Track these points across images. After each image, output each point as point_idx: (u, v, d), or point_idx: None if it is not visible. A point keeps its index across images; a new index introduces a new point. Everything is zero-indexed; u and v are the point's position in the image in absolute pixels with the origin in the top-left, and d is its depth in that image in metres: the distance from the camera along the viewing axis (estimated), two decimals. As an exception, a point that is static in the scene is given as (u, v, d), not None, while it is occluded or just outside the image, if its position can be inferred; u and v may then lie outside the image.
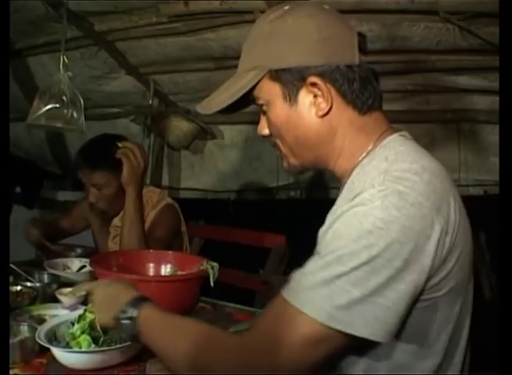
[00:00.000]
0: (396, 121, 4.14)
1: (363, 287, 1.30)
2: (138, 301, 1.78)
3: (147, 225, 3.22)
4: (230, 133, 5.53)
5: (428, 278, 1.36)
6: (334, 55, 1.54)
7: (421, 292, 1.38)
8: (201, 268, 2.60)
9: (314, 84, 1.54)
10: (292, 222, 5.28)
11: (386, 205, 1.33)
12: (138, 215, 2.99)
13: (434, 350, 1.48)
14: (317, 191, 5.46)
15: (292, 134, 1.62)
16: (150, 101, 5.09)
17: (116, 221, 3.40)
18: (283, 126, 1.63)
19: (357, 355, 1.48)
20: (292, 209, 5.64)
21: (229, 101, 1.63)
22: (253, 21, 3.58)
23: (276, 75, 1.57)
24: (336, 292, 1.31)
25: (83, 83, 4.57)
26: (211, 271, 2.57)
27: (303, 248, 4.95)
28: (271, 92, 1.61)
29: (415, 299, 1.37)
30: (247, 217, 5.37)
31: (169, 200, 3.54)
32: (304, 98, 1.57)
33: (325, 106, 1.55)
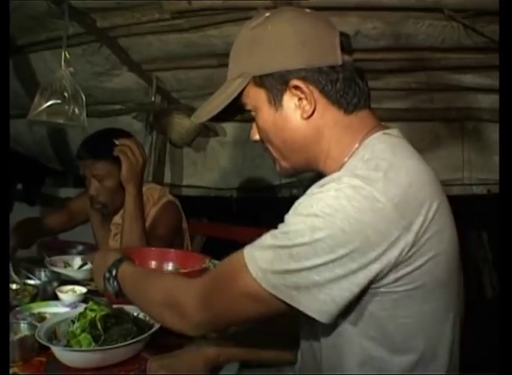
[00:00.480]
0: (399, 119, 4.19)
1: (300, 263, 1.40)
2: (118, 262, 2.03)
3: (148, 222, 3.22)
4: (233, 130, 5.52)
5: (382, 271, 1.39)
6: (315, 58, 1.56)
7: (373, 283, 1.42)
8: (204, 266, 2.59)
9: (296, 87, 1.57)
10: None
11: (338, 194, 1.38)
12: (138, 212, 2.97)
13: (409, 346, 1.51)
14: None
15: (280, 138, 1.66)
16: (152, 98, 5.06)
17: (117, 219, 3.39)
18: (271, 131, 1.66)
19: (329, 338, 1.59)
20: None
21: (217, 111, 1.67)
22: (256, 18, 3.58)
23: (260, 81, 1.61)
24: (276, 259, 1.44)
25: (85, 79, 4.54)
26: (213, 269, 2.55)
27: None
28: (257, 98, 1.64)
29: (365, 288, 1.42)
30: (250, 215, 5.37)
31: (170, 197, 3.54)
32: (289, 101, 1.61)
33: (309, 108, 1.58)
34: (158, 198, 3.45)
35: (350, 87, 1.59)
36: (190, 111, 5.21)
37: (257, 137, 1.74)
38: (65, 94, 3.00)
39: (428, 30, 3.61)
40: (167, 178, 5.78)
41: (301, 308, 1.43)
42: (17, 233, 3.23)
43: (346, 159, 1.58)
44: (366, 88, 1.64)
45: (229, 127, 5.52)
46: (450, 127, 4.69)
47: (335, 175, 1.46)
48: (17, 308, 2.42)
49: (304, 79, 1.56)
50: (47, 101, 2.98)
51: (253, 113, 1.69)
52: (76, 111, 3.03)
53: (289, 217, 1.47)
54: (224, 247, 4.02)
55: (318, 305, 1.41)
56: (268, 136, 1.68)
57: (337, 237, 1.35)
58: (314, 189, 1.45)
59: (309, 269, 1.39)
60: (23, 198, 6.54)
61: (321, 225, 1.37)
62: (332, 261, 1.37)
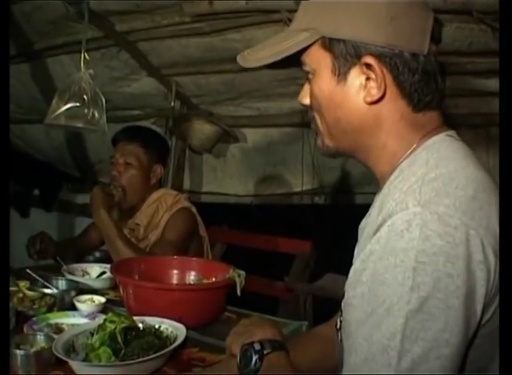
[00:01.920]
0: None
1: (423, 340, 1.16)
2: (278, 345, 1.71)
3: (160, 228, 3.33)
4: (253, 136, 5.46)
5: (483, 310, 1.22)
6: (399, 38, 1.36)
7: (477, 328, 1.24)
8: (227, 276, 2.54)
9: (368, 66, 1.38)
10: (316, 227, 5.22)
11: (426, 233, 1.18)
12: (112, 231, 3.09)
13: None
14: (342, 196, 5.41)
15: (333, 114, 1.47)
16: (172, 104, 5.03)
17: (130, 223, 3.45)
18: (325, 103, 1.47)
19: None
20: (316, 215, 5.58)
21: (270, 61, 1.47)
22: (280, 21, 3.51)
23: (329, 44, 1.41)
24: (394, 356, 1.17)
25: (103, 84, 4.49)
26: (237, 279, 2.51)
27: (327, 254, 4.89)
28: (320, 61, 1.44)
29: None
30: (271, 222, 5.31)
31: (186, 203, 3.52)
32: (355, 77, 1.41)
33: (375, 93, 1.39)
34: (171, 204, 3.46)
35: (427, 82, 1.40)
36: (210, 116, 5.17)
37: (306, 100, 1.54)
38: (85, 97, 2.94)
39: (455, 33, 3.52)
40: (186, 185, 5.75)
41: None
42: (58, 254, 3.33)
43: (400, 161, 1.41)
44: (443, 87, 1.45)
45: (250, 133, 5.46)
46: (475, 133, 4.62)
47: (397, 191, 1.30)
48: (33, 319, 2.35)
49: (379, 58, 1.37)
50: (65, 104, 2.92)
51: (310, 76, 1.50)
52: (96, 114, 2.97)
53: (373, 291, 1.24)
54: (245, 255, 3.98)
55: None
56: (320, 107, 1.49)
57: (444, 286, 1.18)
58: (375, 231, 1.27)
59: (436, 342, 1.18)
60: (39, 203, 6.53)
61: (422, 278, 1.18)
62: (451, 319, 1.18)
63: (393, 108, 1.41)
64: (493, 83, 4.16)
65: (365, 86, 1.39)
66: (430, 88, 1.40)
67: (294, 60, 1.48)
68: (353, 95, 1.41)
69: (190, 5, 3.67)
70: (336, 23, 1.39)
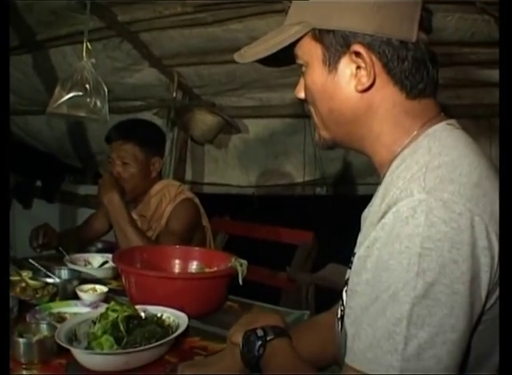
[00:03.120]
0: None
1: (429, 326, 1.17)
2: (280, 331, 1.73)
3: (164, 219, 3.34)
4: (255, 127, 5.47)
5: (487, 296, 1.22)
6: (387, 26, 1.37)
7: (481, 314, 1.24)
8: (229, 265, 2.54)
9: (357, 54, 1.39)
10: (317, 218, 5.22)
11: (432, 220, 1.18)
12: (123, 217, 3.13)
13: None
14: (344, 187, 5.41)
15: (326, 105, 1.48)
16: (174, 94, 5.03)
17: (133, 215, 3.39)
18: (318, 94, 1.49)
19: None
20: (318, 205, 5.58)
21: (265, 54, 1.49)
22: (282, 11, 3.50)
23: (319, 35, 1.43)
24: (400, 341, 1.18)
25: (105, 75, 4.47)
26: (239, 269, 2.51)
27: (329, 244, 4.89)
28: (311, 53, 1.46)
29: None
30: (272, 213, 5.32)
31: (189, 194, 3.54)
32: (345, 67, 1.42)
33: (365, 81, 1.40)
34: (174, 195, 3.45)
35: (418, 69, 1.40)
36: (212, 107, 5.17)
37: (302, 94, 1.57)
38: (87, 86, 2.93)
39: (458, 23, 3.52)
40: (188, 175, 5.75)
41: None
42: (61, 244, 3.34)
43: (400, 149, 1.42)
44: (436, 75, 1.45)
45: (252, 124, 5.47)
46: (478, 124, 4.62)
47: (401, 179, 1.31)
48: (36, 308, 2.35)
49: (368, 46, 1.38)
50: (68, 94, 2.91)
51: (303, 69, 1.52)
52: (98, 104, 2.96)
53: (378, 277, 1.26)
54: (247, 245, 3.98)
55: (457, 363, 1.23)
56: (314, 99, 1.51)
57: (450, 271, 1.19)
58: (380, 218, 1.29)
59: (442, 327, 1.20)
60: (42, 194, 6.54)
61: (428, 264, 1.19)
62: (457, 304, 1.19)
63: (385, 95, 1.42)
64: (496, 74, 4.14)
65: (356, 75, 1.41)
66: (421, 76, 1.41)
67: (290, 57, 1.51)
68: (345, 85, 1.43)
69: (193, -6, 3.68)
70: (326, 14, 1.41)
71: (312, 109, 1.55)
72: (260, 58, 1.51)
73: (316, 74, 1.47)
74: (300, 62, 1.51)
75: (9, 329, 1.92)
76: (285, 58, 1.52)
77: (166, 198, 3.42)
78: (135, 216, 3.35)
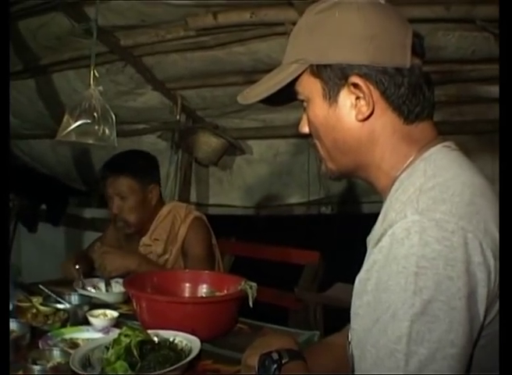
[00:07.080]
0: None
1: (429, 342, 1.19)
2: (294, 354, 1.76)
3: (179, 241, 3.36)
4: (259, 148, 5.48)
5: (486, 311, 1.24)
6: (381, 56, 1.42)
7: (481, 329, 1.26)
8: (239, 288, 2.55)
9: (355, 85, 1.43)
10: (323, 237, 5.22)
11: (425, 239, 1.21)
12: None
13: None
14: (349, 206, 5.41)
15: (330, 137, 1.52)
16: (177, 117, 5.05)
17: (145, 240, 3.43)
18: (321, 127, 1.53)
19: None
20: (323, 225, 5.58)
21: (266, 94, 1.54)
22: (284, 33, 3.54)
23: (317, 71, 1.47)
24: (402, 358, 1.20)
25: (109, 99, 4.48)
26: (249, 291, 2.52)
27: (336, 263, 4.89)
28: (311, 89, 1.51)
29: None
30: (278, 233, 5.32)
31: (197, 213, 3.57)
32: (345, 98, 1.46)
33: (365, 110, 1.44)
34: (184, 215, 3.48)
35: (414, 94, 1.45)
36: (215, 129, 5.19)
37: (306, 129, 1.60)
38: (95, 114, 2.94)
39: (459, 41, 3.56)
40: (193, 197, 5.74)
41: None
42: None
43: (398, 174, 1.45)
44: (432, 98, 1.50)
45: (256, 145, 5.48)
46: (480, 140, 4.62)
47: (398, 203, 1.33)
48: (48, 334, 2.36)
49: (365, 77, 1.42)
50: (76, 121, 2.92)
51: (305, 104, 1.56)
52: (107, 131, 2.97)
53: (378, 298, 1.28)
54: (253, 266, 3.99)
55: None
56: (318, 132, 1.55)
57: (446, 288, 1.21)
58: (378, 242, 1.31)
59: (441, 343, 1.21)
60: (47, 218, 6.55)
61: (424, 282, 1.21)
62: (455, 320, 1.22)
63: (385, 122, 1.46)
64: (497, 90, 4.15)
65: (356, 105, 1.45)
66: (418, 99, 1.45)
67: (291, 94, 1.56)
68: (346, 115, 1.47)
69: (195, 19, 3.69)
70: (321, 50, 1.46)
71: (317, 143, 1.59)
72: (263, 99, 1.56)
73: (317, 108, 1.51)
74: (301, 98, 1.56)
75: (9, 329, 1.95)
76: (287, 95, 1.56)
77: (177, 219, 3.44)
78: (148, 242, 3.38)
